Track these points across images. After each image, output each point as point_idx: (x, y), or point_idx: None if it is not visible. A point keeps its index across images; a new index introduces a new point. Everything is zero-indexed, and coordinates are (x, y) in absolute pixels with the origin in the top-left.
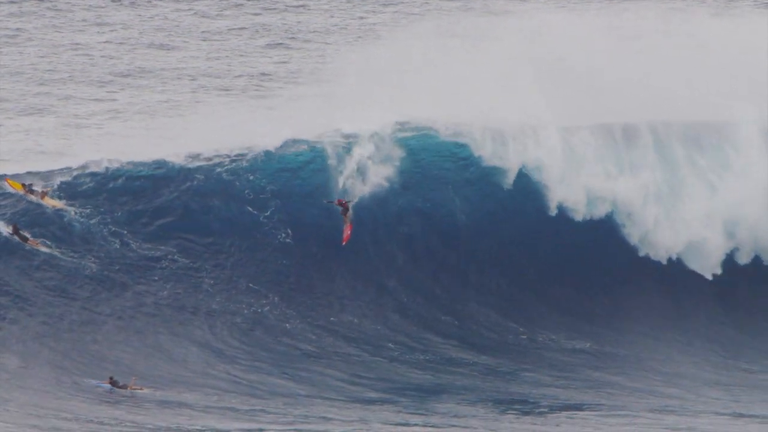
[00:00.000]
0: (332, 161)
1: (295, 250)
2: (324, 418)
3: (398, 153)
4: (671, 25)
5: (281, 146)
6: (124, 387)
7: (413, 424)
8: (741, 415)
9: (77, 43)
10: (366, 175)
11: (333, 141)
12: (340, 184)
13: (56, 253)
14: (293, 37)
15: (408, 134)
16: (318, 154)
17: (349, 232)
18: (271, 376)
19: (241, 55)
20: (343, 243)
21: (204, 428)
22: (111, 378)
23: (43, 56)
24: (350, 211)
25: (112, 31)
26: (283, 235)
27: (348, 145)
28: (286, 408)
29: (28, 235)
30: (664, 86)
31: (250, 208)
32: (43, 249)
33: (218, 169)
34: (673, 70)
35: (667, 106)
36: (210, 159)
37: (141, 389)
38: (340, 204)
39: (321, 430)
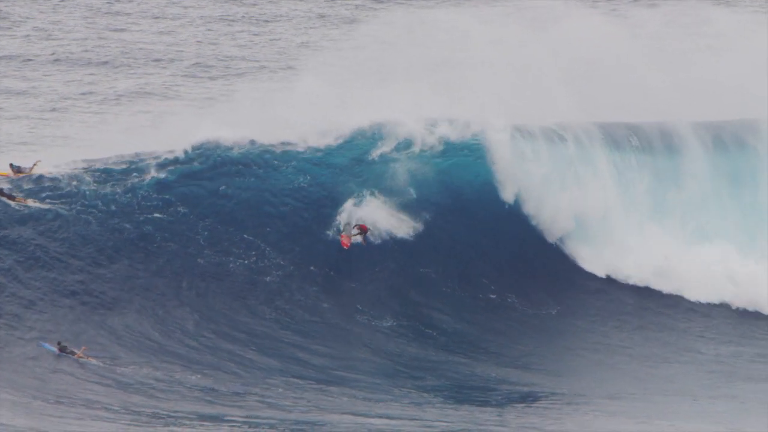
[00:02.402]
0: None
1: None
2: (276, 406)
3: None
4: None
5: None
6: (72, 353)
7: (369, 415)
8: (700, 399)
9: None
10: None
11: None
12: (372, 157)
13: (46, 206)
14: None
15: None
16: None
17: (349, 244)
18: (237, 346)
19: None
20: (342, 244)
21: (169, 413)
22: (59, 343)
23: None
24: (366, 234)
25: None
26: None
27: (379, 134)
28: (244, 388)
29: (13, 194)
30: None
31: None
32: (32, 204)
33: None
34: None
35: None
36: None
37: (89, 359)
38: (361, 229)
39: (276, 417)
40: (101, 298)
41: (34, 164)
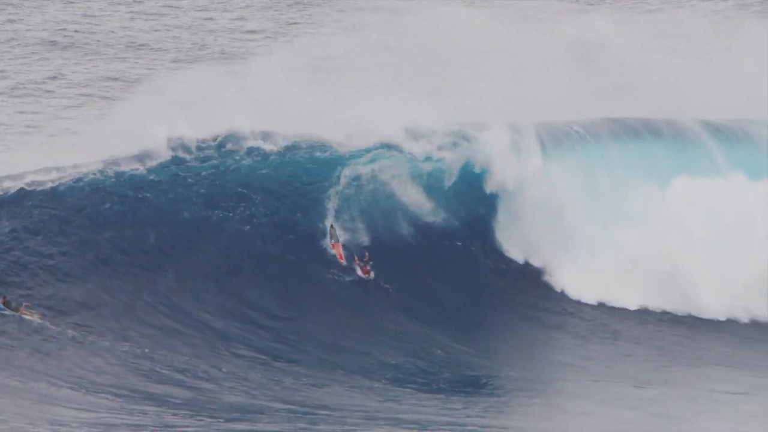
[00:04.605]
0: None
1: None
2: (214, 392)
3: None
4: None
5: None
6: (16, 310)
7: (308, 404)
8: (644, 386)
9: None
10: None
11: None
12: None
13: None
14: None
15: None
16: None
17: (342, 254)
18: (195, 306)
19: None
20: (338, 256)
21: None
22: (5, 297)
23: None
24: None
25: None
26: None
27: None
28: (192, 363)
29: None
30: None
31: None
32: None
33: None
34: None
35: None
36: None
37: (30, 315)
38: (364, 269)
39: (215, 404)
40: (77, 262)
41: None
